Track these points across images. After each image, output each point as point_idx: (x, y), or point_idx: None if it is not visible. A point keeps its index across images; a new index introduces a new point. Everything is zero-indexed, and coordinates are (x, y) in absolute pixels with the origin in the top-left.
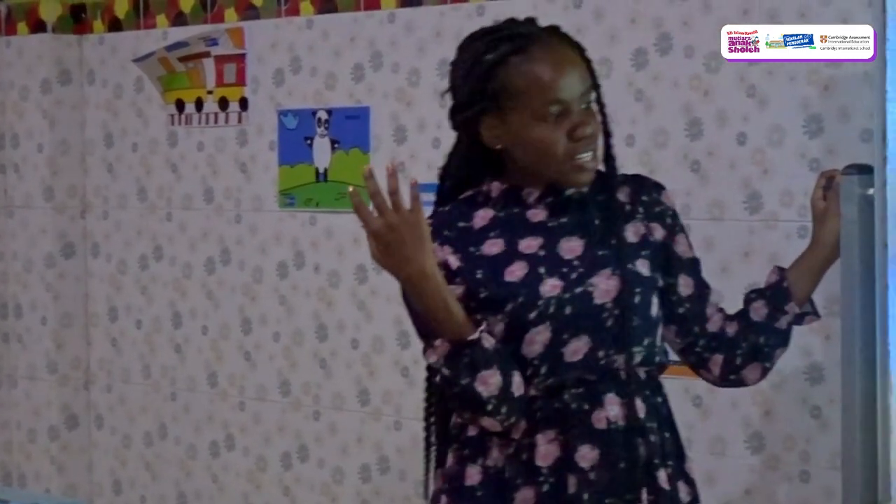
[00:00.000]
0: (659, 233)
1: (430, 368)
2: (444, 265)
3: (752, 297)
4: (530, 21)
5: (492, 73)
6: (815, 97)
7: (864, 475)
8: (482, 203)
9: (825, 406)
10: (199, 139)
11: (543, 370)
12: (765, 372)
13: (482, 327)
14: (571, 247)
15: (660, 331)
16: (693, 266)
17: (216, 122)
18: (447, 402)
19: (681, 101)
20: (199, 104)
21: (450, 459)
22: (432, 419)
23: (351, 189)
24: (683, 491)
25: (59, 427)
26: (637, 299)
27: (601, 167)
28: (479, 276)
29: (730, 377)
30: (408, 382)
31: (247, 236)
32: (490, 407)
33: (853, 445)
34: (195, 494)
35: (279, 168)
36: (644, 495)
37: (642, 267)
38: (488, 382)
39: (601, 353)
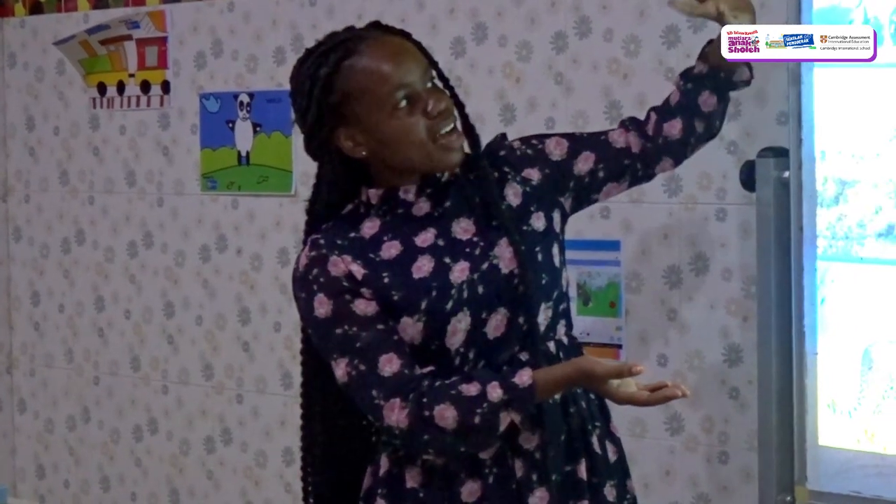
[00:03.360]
0: (535, 175)
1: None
2: (349, 276)
3: (694, 88)
4: (349, 28)
5: (331, 85)
6: None
7: (780, 456)
8: (364, 214)
9: (743, 387)
10: (120, 122)
11: (471, 355)
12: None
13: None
14: (464, 228)
15: (565, 278)
16: (575, 142)
17: (138, 105)
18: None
19: (600, 84)
20: (120, 87)
21: (385, 463)
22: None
23: None
24: (611, 451)
25: None
26: (540, 257)
27: (465, 143)
28: (386, 280)
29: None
30: None
31: (169, 220)
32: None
33: (769, 426)
34: (119, 478)
35: (201, 151)
36: (583, 463)
37: (537, 221)
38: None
39: (521, 320)
